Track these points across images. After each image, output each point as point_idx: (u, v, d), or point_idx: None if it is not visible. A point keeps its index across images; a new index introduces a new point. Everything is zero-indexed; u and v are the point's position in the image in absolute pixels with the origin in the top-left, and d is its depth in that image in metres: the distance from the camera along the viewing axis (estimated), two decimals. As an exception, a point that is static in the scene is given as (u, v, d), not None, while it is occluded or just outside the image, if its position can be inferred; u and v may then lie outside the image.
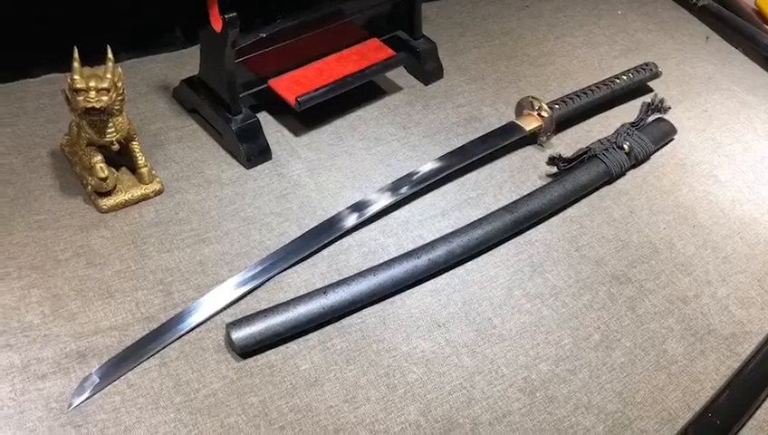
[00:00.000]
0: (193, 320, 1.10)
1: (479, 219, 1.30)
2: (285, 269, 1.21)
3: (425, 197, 1.38)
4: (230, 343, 1.07)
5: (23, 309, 1.10)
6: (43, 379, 1.02)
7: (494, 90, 1.68)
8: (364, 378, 1.08)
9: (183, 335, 1.09)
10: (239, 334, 1.06)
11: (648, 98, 1.62)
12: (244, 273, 1.18)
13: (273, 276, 1.19)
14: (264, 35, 1.36)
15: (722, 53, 1.92)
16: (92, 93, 1.16)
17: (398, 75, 1.66)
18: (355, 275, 1.17)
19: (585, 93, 1.58)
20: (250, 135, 1.39)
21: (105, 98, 1.16)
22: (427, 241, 1.26)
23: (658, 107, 1.59)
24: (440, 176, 1.39)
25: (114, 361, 1.04)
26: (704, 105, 1.71)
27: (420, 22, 1.64)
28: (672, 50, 1.90)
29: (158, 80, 1.57)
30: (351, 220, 1.28)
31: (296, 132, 1.49)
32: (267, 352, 1.09)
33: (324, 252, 1.25)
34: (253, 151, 1.39)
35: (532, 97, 1.52)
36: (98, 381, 1.01)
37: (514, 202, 1.34)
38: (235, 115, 1.38)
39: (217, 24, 1.27)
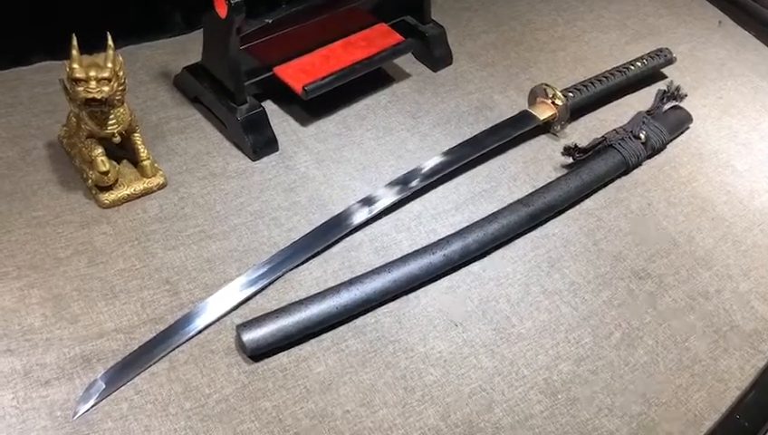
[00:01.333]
0: (201, 321, 1.06)
1: (494, 213, 1.25)
2: (296, 267, 1.16)
3: (437, 190, 1.34)
4: (241, 345, 1.03)
5: (23, 311, 1.05)
6: (47, 385, 0.97)
7: (504, 76, 1.63)
8: (380, 381, 1.04)
9: (191, 338, 1.05)
10: (250, 336, 1.02)
11: (662, 85, 1.57)
12: (253, 271, 1.13)
13: (284, 274, 1.15)
14: (270, 21, 1.31)
15: (735, 37, 1.87)
16: (93, 83, 1.10)
17: (406, 61, 1.61)
18: (369, 272, 1.13)
19: (599, 80, 1.53)
20: (256, 125, 1.34)
21: (106, 88, 1.11)
22: (440, 236, 1.21)
23: (675, 95, 1.54)
24: (452, 168, 1.34)
25: (120, 365, 1.00)
26: (718, 92, 1.67)
27: (429, 6, 1.58)
28: (684, 35, 1.85)
29: (158, 67, 1.51)
30: (362, 215, 1.24)
31: (302, 122, 1.44)
32: (279, 355, 1.05)
33: (335, 248, 1.21)
34: (259, 143, 1.34)
35: (546, 84, 1.48)
36: (104, 387, 0.97)
37: (530, 195, 1.30)
38: (240, 105, 1.33)
39: (222, 10, 1.21)
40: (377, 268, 1.14)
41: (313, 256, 1.19)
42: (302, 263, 1.17)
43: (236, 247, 1.19)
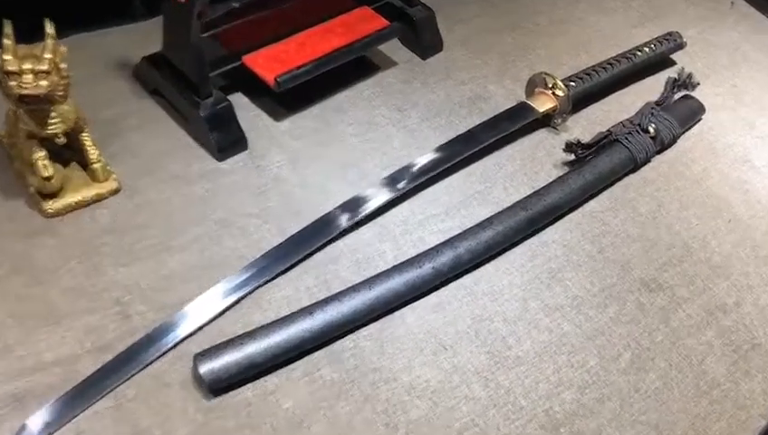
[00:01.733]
0: (154, 350, 0.94)
1: (489, 218, 1.13)
2: (265, 283, 1.04)
3: (425, 192, 1.22)
4: (198, 377, 0.91)
5: (-55, 342, 0.93)
6: (-30, 431, 0.85)
7: (499, 64, 1.50)
8: (358, 417, 0.92)
9: (142, 369, 0.92)
10: (209, 367, 0.90)
11: (671, 72, 1.46)
12: (215, 289, 1.01)
13: (251, 292, 1.03)
14: (237, 5, 1.18)
15: (748, 20, 1.75)
16: (28, 77, 0.97)
17: (392, 48, 1.48)
18: (347, 289, 1.00)
19: (604, 68, 1.41)
20: (221, 122, 1.21)
21: (44, 82, 0.98)
22: (429, 245, 1.09)
23: (686, 83, 1.42)
24: (443, 167, 1.22)
25: (58, 404, 0.87)
26: (732, 79, 1.55)
27: (417, -14, 1.46)
28: (693, 17, 1.73)
29: (115, 57, 1.37)
30: (342, 222, 1.12)
31: (276, 117, 1.31)
32: (243, 388, 0.93)
33: (310, 261, 1.09)
34: (225, 141, 1.21)
35: (545, 73, 1.36)
36: (38, 430, 0.84)
37: (528, 197, 1.18)
38: (204, 98, 1.20)
39: (181, -8, 1.08)
40: (356, 285, 1.01)
41: (285, 271, 1.06)
42: (272, 279, 1.05)
43: (198, 262, 1.06)
